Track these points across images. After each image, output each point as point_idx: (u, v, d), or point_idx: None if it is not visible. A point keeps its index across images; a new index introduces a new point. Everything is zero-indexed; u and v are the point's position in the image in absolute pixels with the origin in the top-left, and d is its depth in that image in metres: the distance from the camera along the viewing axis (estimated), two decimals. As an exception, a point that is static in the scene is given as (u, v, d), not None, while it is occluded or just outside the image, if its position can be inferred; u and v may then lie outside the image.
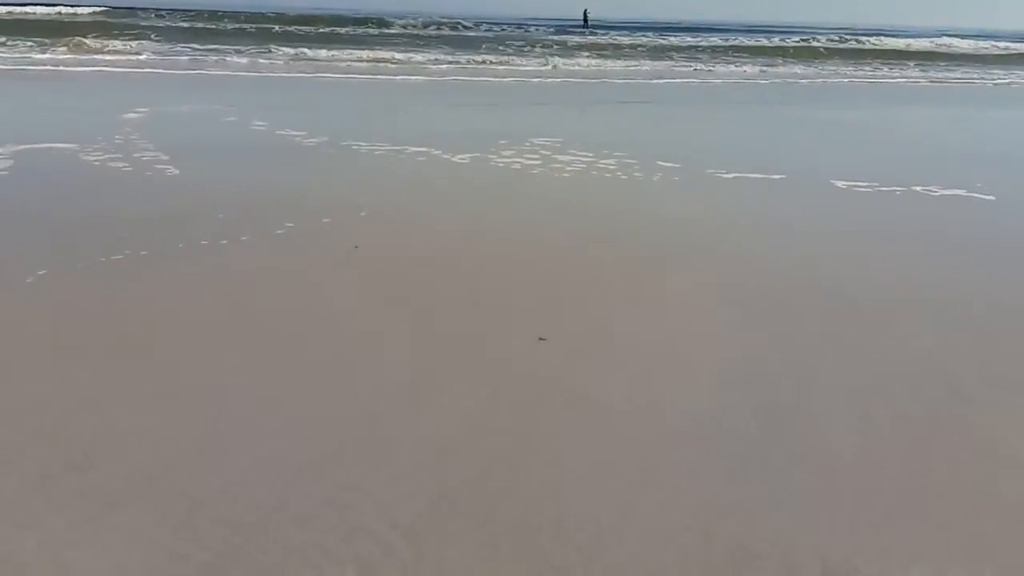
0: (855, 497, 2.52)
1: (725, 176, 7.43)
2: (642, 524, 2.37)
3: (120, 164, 6.91)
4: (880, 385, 3.31)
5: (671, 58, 25.20)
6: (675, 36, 34.31)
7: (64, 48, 19.07)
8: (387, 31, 31.66)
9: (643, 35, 33.77)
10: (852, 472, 2.66)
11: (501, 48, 25.41)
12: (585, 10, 44.74)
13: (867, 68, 24.67)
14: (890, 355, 3.61)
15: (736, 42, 31.49)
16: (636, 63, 22.97)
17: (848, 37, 35.15)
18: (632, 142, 8.96)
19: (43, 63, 16.27)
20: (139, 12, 32.28)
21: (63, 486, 2.48)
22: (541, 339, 3.64)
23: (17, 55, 17.36)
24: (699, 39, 32.67)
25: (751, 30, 43.15)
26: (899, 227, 5.89)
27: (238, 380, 3.19)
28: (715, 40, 32.44)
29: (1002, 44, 36.53)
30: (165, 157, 7.23)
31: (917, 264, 5.02)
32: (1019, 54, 32.99)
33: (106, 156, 7.17)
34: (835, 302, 4.25)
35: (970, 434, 2.96)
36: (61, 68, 15.53)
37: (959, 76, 23.14)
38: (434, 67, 19.27)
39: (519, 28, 37.00)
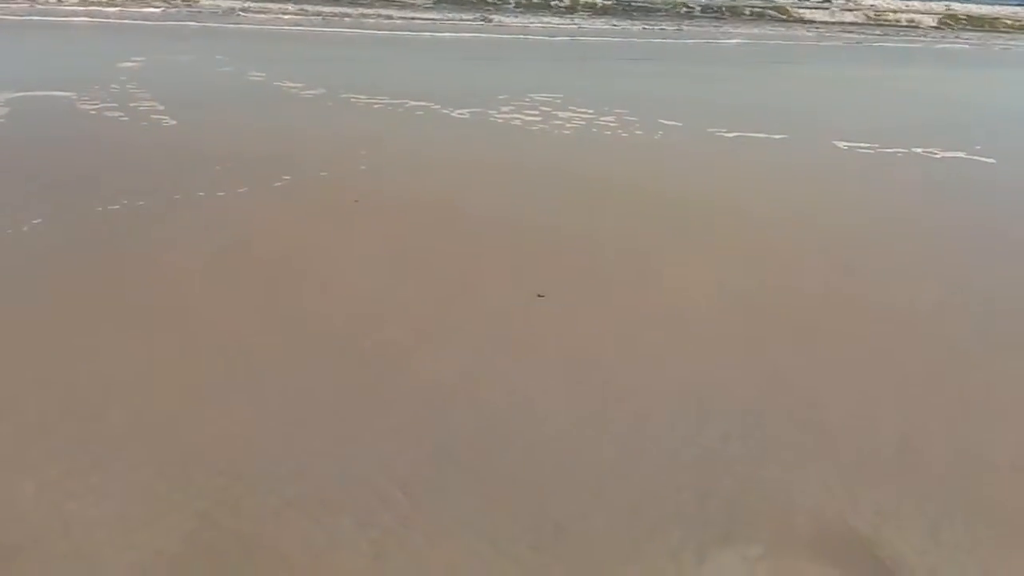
0: (850, 455, 2.54)
1: (727, 135, 7.37)
2: (638, 480, 2.38)
3: (117, 114, 6.84)
4: (877, 343, 3.31)
5: (688, 15, 24.78)
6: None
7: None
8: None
9: None
10: (848, 431, 2.68)
11: (499, 4, 24.91)
12: None
13: (876, 31, 24.35)
14: (888, 314, 3.61)
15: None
16: (642, 21, 22.61)
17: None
18: (633, 100, 8.87)
19: (35, 11, 16.00)
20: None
21: (61, 434, 2.48)
22: (540, 296, 3.63)
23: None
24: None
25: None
26: (899, 189, 5.86)
27: (236, 332, 3.18)
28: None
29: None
30: (161, 107, 7.14)
31: (917, 226, 5.00)
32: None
33: (102, 105, 7.09)
34: (833, 263, 4.24)
35: (966, 394, 2.97)
36: (50, 18, 15.27)
37: (965, 39, 22.87)
38: (431, 21, 19.00)
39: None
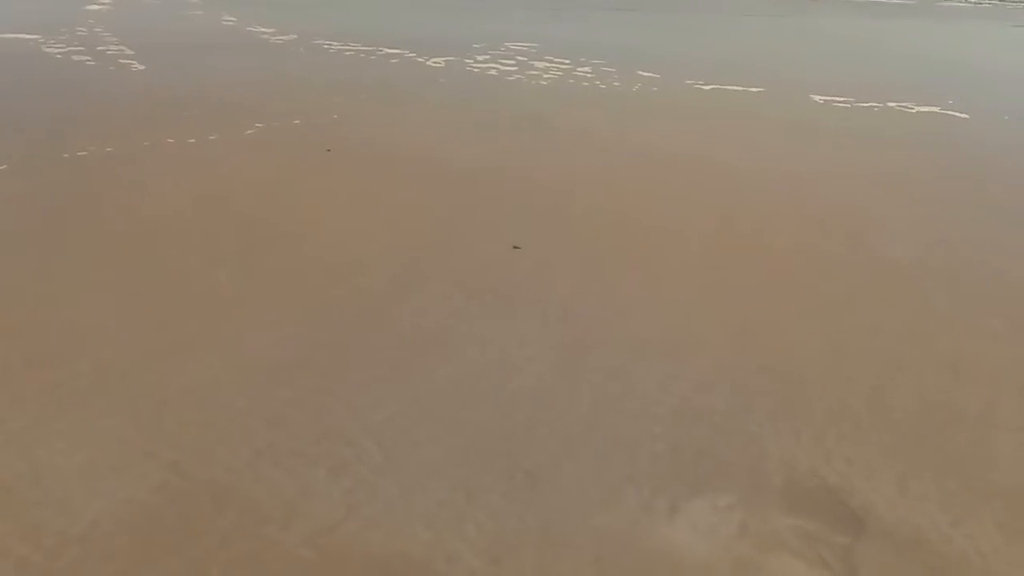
0: (822, 409, 2.56)
1: (704, 88, 7.32)
2: (611, 430, 2.39)
3: (84, 58, 6.66)
4: (852, 298, 3.33)
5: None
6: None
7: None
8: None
9: None
10: (820, 384, 2.70)
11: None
12: None
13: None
14: (862, 269, 3.63)
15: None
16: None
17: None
18: (610, 50, 8.77)
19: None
20: None
21: (29, 382, 2.44)
22: (515, 247, 3.61)
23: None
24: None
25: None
26: (874, 144, 5.87)
27: (208, 280, 3.14)
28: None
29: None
30: (130, 52, 6.97)
31: (893, 181, 5.01)
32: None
33: (69, 49, 6.90)
34: (807, 216, 4.24)
35: (938, 351, 3.00)
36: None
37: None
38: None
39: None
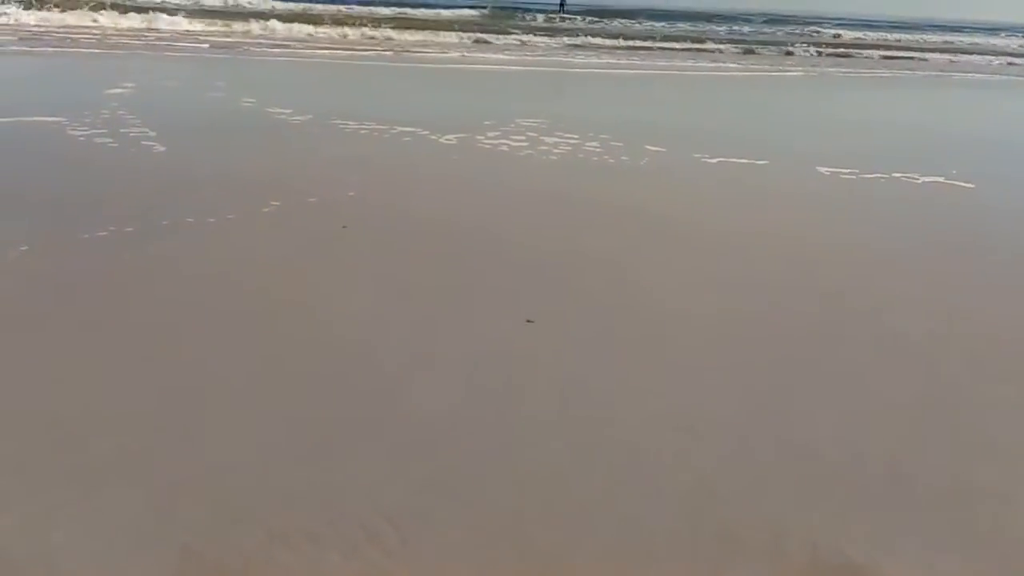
0: (842, 485, 2.53)
1: (710, 161, 7.42)
2: (629, 509, 2.37)
3: (106, 140, 6.82)
4: (867, 372, 3.32)
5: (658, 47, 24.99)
6: (666, 23, 33.90)
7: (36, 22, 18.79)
8: (376, 10, 30.98)
9: (618, 22, 33.02)
10: (839, 460, 2.67)
11: (478, 28, 25.05)
12: None
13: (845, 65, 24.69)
14: (876, 345, 3.62)
15: (733, 35, 31.19)
16: (615, 51, 22.82)
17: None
18: (617, 124, 8.92)
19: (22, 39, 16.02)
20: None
21: (44, 466, 2.44)
22: (529, 321, 3.63)
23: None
24: (674, 27, 32.21)
25: (745, 17, 42.52)
26: (883, 215, 5.91)
27: (223, 362, 3.16)
28: (716, 29, 32.19)
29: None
30: (152, 133, 7.13)
31: (902, 252, 5.03)
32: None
33: (92, 131, 7.07)
34: (821, 291, 4.25)
35: (957, 423, 2.97)
36: (35, 48, 15.30)
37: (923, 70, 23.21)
38: (411, 47, 19.13)
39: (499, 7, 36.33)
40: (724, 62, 20.50)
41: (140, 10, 20.46)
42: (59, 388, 2.89)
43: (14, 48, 14.01)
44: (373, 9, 30.02)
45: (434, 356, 3.28)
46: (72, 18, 19.02)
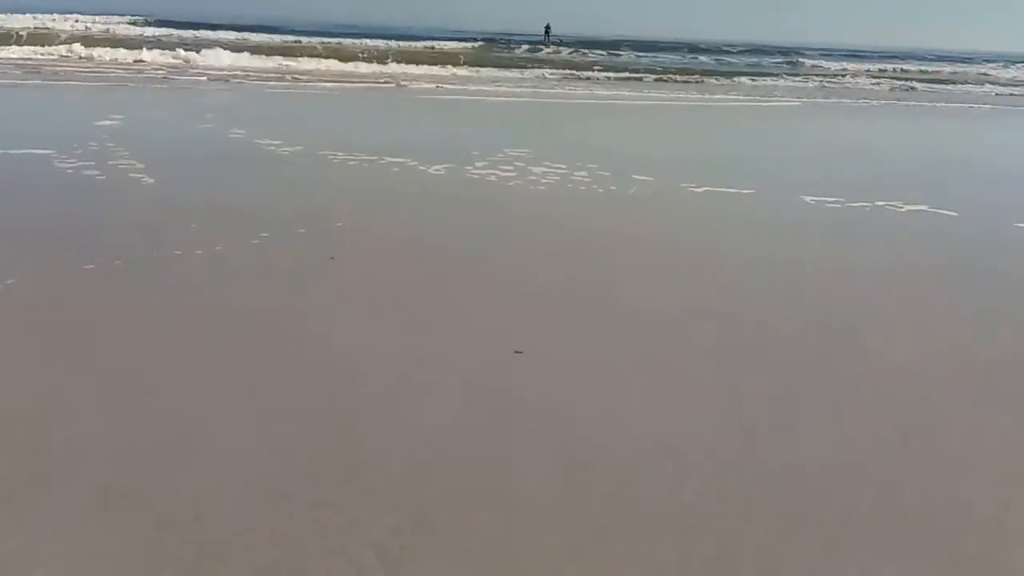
0: (831, 514, 2.53)
1: (696, 190, 7.48)
2: (618, 540, 2.36)
3: (94, 172, 6.83)
4: (855, 401, 3.33)
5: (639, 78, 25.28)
6: (649, 54, 34.33)
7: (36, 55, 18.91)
8: (369, 42, 31.32)
9: (600, 53, 33.43)
10: (828, 489, 2.67)
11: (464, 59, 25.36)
12: (547, 25, 44.13)
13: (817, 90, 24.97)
14: (864, 371, 3.64)
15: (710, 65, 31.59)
16: (601, 82, 23.05)
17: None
18: (604, 154, 9.00)
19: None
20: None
21: (27, 501, 2.42)
22: (517, 352, 3.63)
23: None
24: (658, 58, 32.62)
25: (724, 49, 43.01)
26: (867, 243, 5.96)
27: (209, 395, 3.15)
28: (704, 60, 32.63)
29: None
30: (140, 165, 7.15)
31: (890, 281, 5.07)
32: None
33: (80, 164, 7.08)
34: (808, 319, 4.28)
35: (945, 450, 2.98)
36: (29, 82, 15.36)
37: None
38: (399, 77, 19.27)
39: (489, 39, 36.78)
40: (710, 92, 20.76)
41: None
42: (44, 422, 2.87)
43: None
44: (366, 42, 30.39)
45: (423, 386, 3.27)
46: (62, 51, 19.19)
